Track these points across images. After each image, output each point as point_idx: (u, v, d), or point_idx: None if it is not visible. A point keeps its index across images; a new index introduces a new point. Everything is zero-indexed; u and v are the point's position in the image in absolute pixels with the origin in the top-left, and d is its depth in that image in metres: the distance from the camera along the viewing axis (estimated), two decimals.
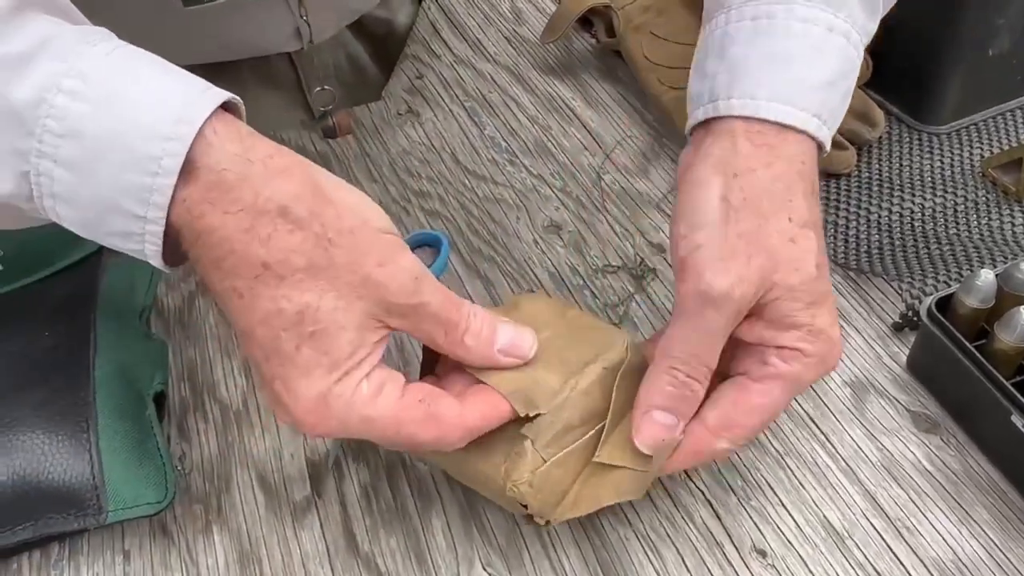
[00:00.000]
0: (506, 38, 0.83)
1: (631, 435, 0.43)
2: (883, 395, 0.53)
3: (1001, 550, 0.46)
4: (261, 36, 0.70)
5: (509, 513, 0.48)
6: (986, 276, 0.50)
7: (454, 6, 0.87)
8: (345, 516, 0.49)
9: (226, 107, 0.37)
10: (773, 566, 0.46)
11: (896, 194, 0.64)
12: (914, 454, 0.50)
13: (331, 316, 0.37)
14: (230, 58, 0.70)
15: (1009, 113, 0.71)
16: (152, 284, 0.59)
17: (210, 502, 0.50)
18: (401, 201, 0.67)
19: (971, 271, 0.56)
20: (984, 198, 0.64)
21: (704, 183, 0.43)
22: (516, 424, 0.42)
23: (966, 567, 0.46)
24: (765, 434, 0.51)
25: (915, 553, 0.46)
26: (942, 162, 0.67)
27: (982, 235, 0.61)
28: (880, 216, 0.63)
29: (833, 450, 0.51)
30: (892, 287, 0.59)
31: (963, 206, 0.63)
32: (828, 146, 0.45)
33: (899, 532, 0.47)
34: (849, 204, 0.64)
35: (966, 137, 0.69)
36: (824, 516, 0.48)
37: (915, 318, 0.56)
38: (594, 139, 0.72)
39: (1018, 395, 0.47)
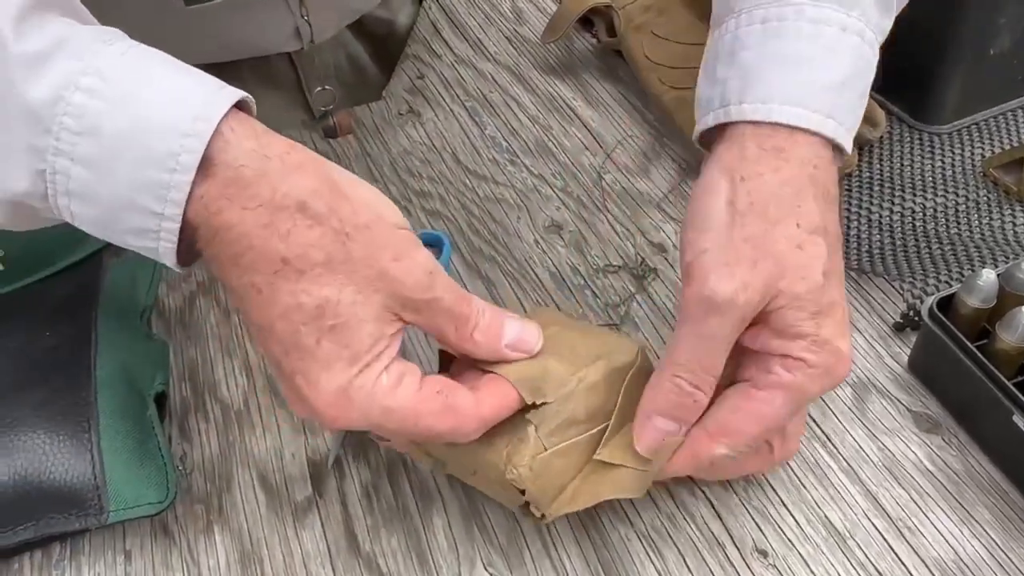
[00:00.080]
0: (507, 38, 0.83)
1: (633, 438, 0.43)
2: (884, 395, 0.53)
3: (1003, 550, 0.46)
4: (261, 36, 0.70)
5: (510, 512, 0.48)
6: (987, 276, 0.50)
7: (455, 6, 0.87)
8: (346, 516, 0.49)
9: (239, 106, 0.38)
10: (774, 566, 0.46)
11: (897, 194, 0.64)
12: (915, 454, 0.50)
13: (351, 309, 0.38)
14: (230, 58, 0.70)
15: (1010, 113, 0.71)
16: (153, 284, 0.59)
17: (211, 502, 0.50)
18: (402, 201, 0.67)
19: (972, 271, 0.56)
20: (985, 198, 0.64)
21: (712, 188, 0.43)
22: (521, 413, 0.42)
23: (967, 567, 0.45)
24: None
25: (916, 553, 0.46)
26: (943, 162, 0.67)
27: (983, 235, 0.61)
28: (881, 216, 0.63)
29: (834, 450, 0.51)
30: (893, 287, 0.59)
31: (964, 206, 0.63)
32: (848, 147, 0.44)
33: (900, 532, 0.47)
34: (850, 204, 0.64)
35: (967, 137, 0.69)
36: (825, 516, 0.48)
37: (916, 318, 0.56)
38: (595, 139, 0.72)
39: (1020, 395, 0.47)
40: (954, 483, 0.49)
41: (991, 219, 0.62)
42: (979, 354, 0.49)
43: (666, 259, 0.62)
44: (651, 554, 0.47)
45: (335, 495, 0.50)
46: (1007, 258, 0.58)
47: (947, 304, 0.51)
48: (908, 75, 0.69)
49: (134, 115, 0.35)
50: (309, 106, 0.74)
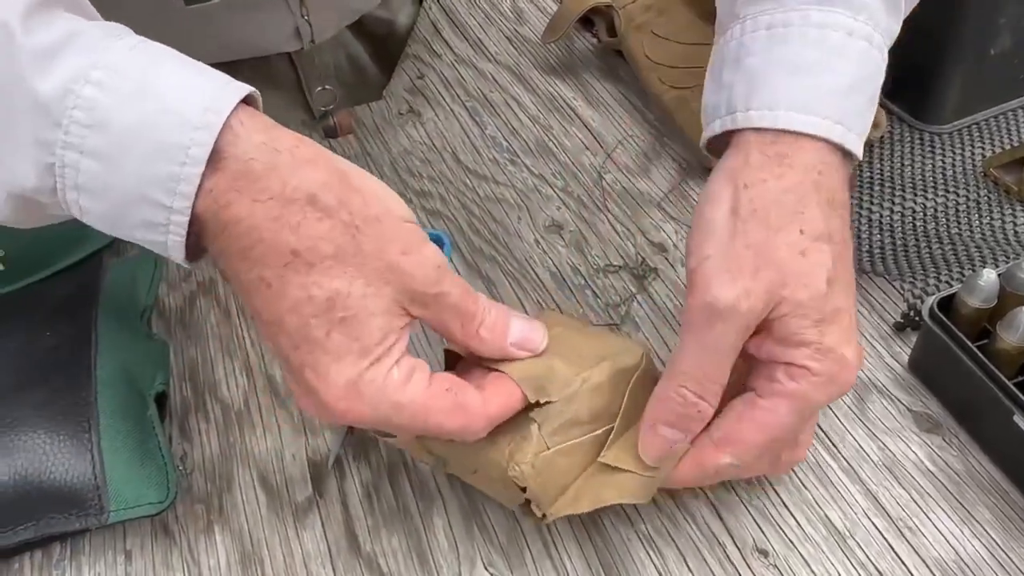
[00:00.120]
0: (507, 38, 0.83)
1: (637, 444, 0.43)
2: (885, 395, 0.53)
3: (1003, 550, 0.46)
4: (261, 36, 0.70)
5: (510, 512, 0.48)
6: (988, 276, 0.50)
7: (455, 6, 0.87)
8: (347, 516, 0.49)
9: (246, 101, 0.38)
10: (775, 565, 0.46)
11: (898, 194, 0.64)
12: (916, 454, 0.50)
13: (361, 302, 0.38)
14: (230, 58, 0.70)
15: (1011, 112, 0.71)
16: (153, 284, 0.59)
17: (212, 502, 0.50)
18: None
19: (973, 271, 0.56)
20: (986, 197, 0.64)
21: (715, 195, 0.42)
22: (525, 411, 0.42)
23: (968, 567, 0.45)
24: None
25: (917, 553, 0.46)
26: (944, 162, 0.67)
27: (984, 235, 0.61)
28: (882, 216, 0.63)
29: (835, 450, 0.51)
30: (894, 287, 0.59)
31: (965, 206, 0.63)
32: (859, 152, 0.44)
33: (901, 532, 0.47)
34: (851, 204, 0.64)
35: (968, 137, 0.69)
36: (826, 516, 0.48)
37: (917, 318, 0.56)
38: (595, 138, 0.72)
39: (1020, 395, 0.46)
40: (955, 483, 0.49)
41: (992, 219, 0.62)
42: (980, 354, 0.48)
43: (666, 259, 0.62)
44: (651, 554, 0.47)
45: (335, 495, 0.50)
46: (1008, 258, 0.58)
47: (948, 304, 0.51)
48: (908, 75, 0.69)
49: (144, 109, 0.35)
50: (309, 106, 0.74)
